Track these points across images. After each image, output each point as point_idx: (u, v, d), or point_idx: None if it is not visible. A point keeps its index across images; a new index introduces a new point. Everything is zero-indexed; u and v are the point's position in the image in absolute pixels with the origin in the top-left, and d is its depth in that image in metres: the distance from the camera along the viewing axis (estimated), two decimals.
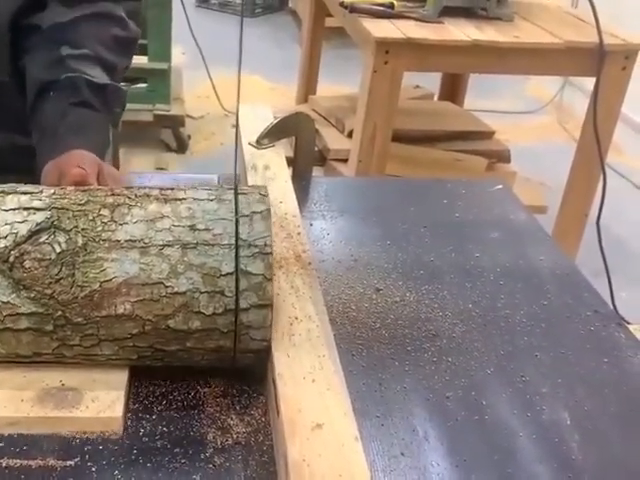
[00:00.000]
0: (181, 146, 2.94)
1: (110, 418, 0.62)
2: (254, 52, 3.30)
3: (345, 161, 2.17)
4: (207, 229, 0.64)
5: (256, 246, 0.64)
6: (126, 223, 0.64)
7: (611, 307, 0.89)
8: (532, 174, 2.53)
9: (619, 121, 1.95)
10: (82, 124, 0.88)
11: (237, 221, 0.64)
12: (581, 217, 2.04)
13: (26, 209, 0.64)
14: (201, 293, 0.62)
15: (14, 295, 0.62)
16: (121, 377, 0.66)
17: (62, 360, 0.65)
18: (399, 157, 2.13)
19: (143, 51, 2.69)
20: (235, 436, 0.63)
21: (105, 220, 0.64)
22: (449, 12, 1.92)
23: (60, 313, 0.62)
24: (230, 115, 3.17)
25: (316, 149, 2.05)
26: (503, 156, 2.37)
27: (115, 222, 0.64)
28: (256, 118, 1.07)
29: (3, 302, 0.62)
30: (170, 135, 2.93)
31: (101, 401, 0.63)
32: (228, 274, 0.63)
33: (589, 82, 1.93)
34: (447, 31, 1.84)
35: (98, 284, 0.62)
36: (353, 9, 1.89)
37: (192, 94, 3.26)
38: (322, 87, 2.96)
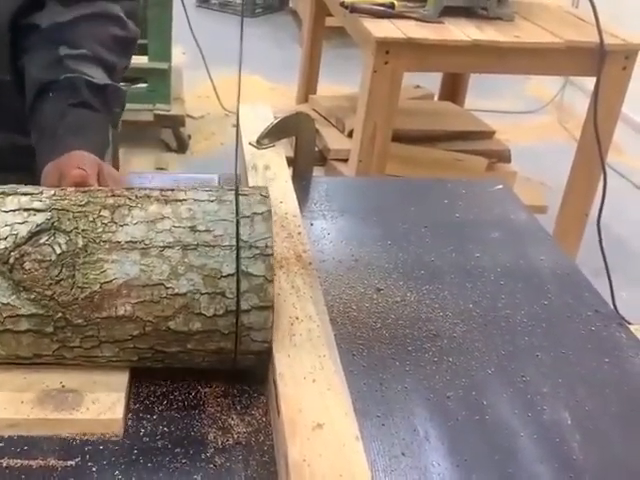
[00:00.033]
0: (181, 146, 2.94)
1: (110, 420, 0.62)
2: (254, 52, 3.30)
3: (345, 161, 2.17)
4: (208, 230, 0.64)
5: (257, 247, 0.63)
6: (126, 224, 0.64)
7: (612, 307, 0.89)
8: (532, 174, 2.53)
9: (619, 121, 1.95)
10: (81, 125, 0.88)
11: (238, 222, 0.64)
12: (581, 217, 2.03)
13: (26, 210, 0.64)
14: (202, 294, 0.62)
15: (14, 296, 0.62)
16: (121, 379, 0.66)
17: (62, 362, 0.65)
18: (399, 157, 2.13)
19: (143, 51, 2.69)
20: (236, 436, 0.63)
21: (105, 221, 0.64)
22: (449, 12, 1.92)
23: (60, 314, 0.62)
24: (230, 115, 3.17)
25: (316, 149, 2.05)
26: (503, 156, 2.37)
27: (115, 223, 0.64)
28: (256, 118, 1.07)
29: (3, 303, 0.62)
30: (170, 135, 2.93)
31: (101, 403, 0.63)
32: (229, 275, 0.62)
33: (589, 82, 1.93)
34: (447, 31, 1.84)
35: (98, 285, 0.62)
36: (353, 9, 1.89)
37: (192, 94, 3.26)
38: (322, 87, 2.96)
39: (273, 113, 1.10)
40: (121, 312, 0.62)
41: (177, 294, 0.62)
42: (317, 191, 1.08)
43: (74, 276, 0.62)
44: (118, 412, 0.63)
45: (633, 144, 3.13)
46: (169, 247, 0.63)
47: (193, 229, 0.64)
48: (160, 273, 0.62)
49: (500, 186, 1.14)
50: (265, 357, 0.65)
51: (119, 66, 0.96)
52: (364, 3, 1.90)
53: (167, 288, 0.62)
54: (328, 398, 0.60)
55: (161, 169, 2.77)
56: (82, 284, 0.62)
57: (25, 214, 0.63)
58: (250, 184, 0.92)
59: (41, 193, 0.66)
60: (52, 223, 0.63)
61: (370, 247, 0.94)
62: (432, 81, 2.82)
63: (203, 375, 0.68)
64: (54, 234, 0.63)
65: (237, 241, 0.63)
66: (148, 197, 0.66)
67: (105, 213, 0.64)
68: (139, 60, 2.70)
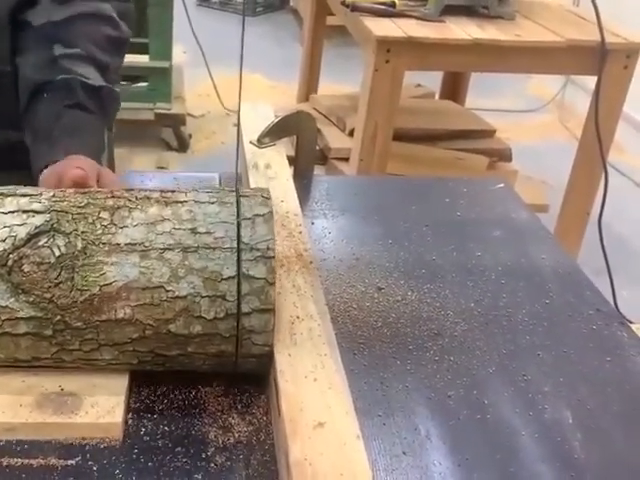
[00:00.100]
0: (182, 145, 2.94)
1: (110, 424, 0.62)
2: (255, 51, 3.29)
3: (346, 160, 2.16)
4: (208, 232, 0.63)
5: (258, 250, 0.63)
6: (126, 226, 0.63)
7: (613, 306, 0.89)
8: (534, 173, 2.52)
9: (621, 120, 1.95)
10: (77, 126, 0.87)
11: (239, 224, 0.64)
12: (583, 216, 2.03)
13: (25, 212, 0.63)
14: (202, 297, 0.62)
15: (13, 299, 0.61)
16: (121, 382, 0.65)
17: (61, 365, 0.65)
18: (400, 156, 2.12)
19: (144, 50, 2.69)
20: (237, 435, 0.63)
21: (105, 223, 0.63)
22: (450, 11, 1.92)
23: (59, 317, 0.61)
24: (231, 114, 3.17)
25: (317, 148, 2.05)
26: (504, 155, 2.36)
27: (115, 225, 0.63)
28: (257, 117, 1.07)
29: (2, 306, 0.61)
30: (171, 134, 2.93)
31: (101, 406, 0.63)
32: (230, 278, 0.62)
33: (591, 81, 1.92)
34: (448, 30, 1.84)
35: (98, 288, 0.61)
36: (354, 8, 1.89)
37: (193, 93, 3.25)
38: (323, 86, 2.96)
39: (274, 112, 1.10)
40: (121, 315, 0.62)
41: (177, 297, 0.62)
42: (318, 190, 1.08)
43: (73, 278, 0.61)
44: (117, 416, 0.62)
45: (634, 143, 3.13)
46: (169, 249, 0.62)
47: (194, 231, 0.63)
48: (160, 276, 0.62)
49: (501, 185, 1.14)
50: (266, 360, 0.65)
51: (112, 66, 0.95)
52: (365, 2, 1.90)
53: (167, 291, 0.62)
54: (329, 397, 0.60)
55: (162, 168, 2.77)
56: (81, 287, 0.61)
57: (24, 216, 0.63)
58: (251, 183, 0.92)
59: (40, 194, 0.65)
60: (51, 225, 0.63)
61: (371, 246, 0.94)
62: (433, 80, 2.81)
63: (204, 374, 0.68)
64: (53, 236, 0.62)
65: (238, 243, 0.63)
66: (148, 199, 0.66)
67: (105, 215, 0.64)
68: (140, 59, 2.70)
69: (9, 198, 0.65)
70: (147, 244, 0.63)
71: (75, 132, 0.86)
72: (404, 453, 0.64)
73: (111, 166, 1.22)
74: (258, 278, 0.62)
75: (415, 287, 0.86)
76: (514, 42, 1.81)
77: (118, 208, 0.64)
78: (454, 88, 2.78)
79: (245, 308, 0.62)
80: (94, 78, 0.91)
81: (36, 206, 0.64)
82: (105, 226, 0.63)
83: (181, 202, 0.66)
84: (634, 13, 2.70)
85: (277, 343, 0.65)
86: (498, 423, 0.68)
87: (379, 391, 0.70)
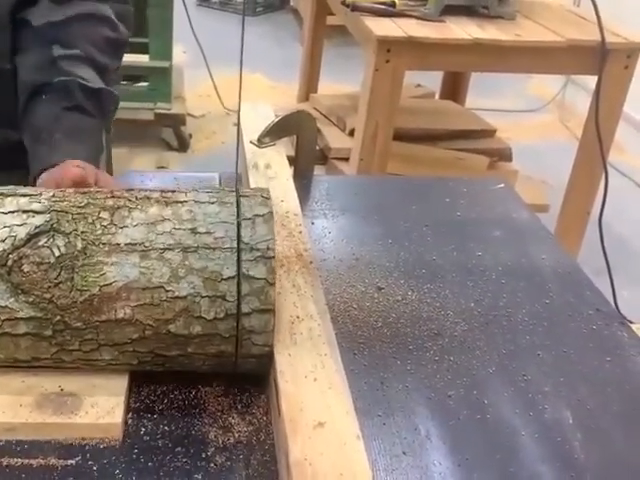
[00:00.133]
0: (182, 145, 2.94)
1: (109, 424, 0.62)
2: (255, 51, 3.29)
3: (346, 160, 2.16)
4: (208, 232, 0.63)
5: (258, 250, 0.63)
6: (126, 226, 0.63)
7: (613, 306, 0.89)
8: (534, 173, 2.52)
9: (621, 120, 1.95)
10: (76, 129, 0.87)
11: (239, 224, 0.64)
12: (583, 216, 2.03)
13: (25, 212, 0.63)
14: (202, 297, 0.62)
15: (12, 299, 0.61)
16: (121, 382, 0.65)
17: (61, 365, 0.65)
18: (401, 156, 2.12)
19: (144, 50, 2.69)
20: (237, 435, 0.63)
21: (105, 223, 0.63)
22: (451, 11, 1.92)
23: (59, 318, 0.61)
24: (231, 114, 3.17)
25: (317, 148, 2.04)
26: (505, 155, 2.36)
27: (115, 225, 0.63)
28: (257, 117, 1.07)
29: (1, 306, 0.61)
30: (171, 134, 2.93)
31: (100, 407, 0.63)
32: (230, 278, 0.62)
33: (591, 80, 1.92)
34: (449, 30, 1.84)
35: (98, 288, 0.61)
36: (355, 7, 1.89)
37: (193, 93, 3.25)
38: (323, 86, 2.96)
39: (274, 112, 1.10)
40: (120, 315, 0.61)
41: (177, 297, 0.62)
42: (318, 190, 1.08)
43: (73, 279, 0.61)
44: (117, 416, 0.62)
45: (635, 143, 3.13)
46: (169, 249, 0.62)
47: (194, 231, 0.63)
48: (160, 276, 0.62)
49: (501, 185, 1.14)
50: (266, 360, 0.65)
51: (110, 67, 0.95)
52: (365, 1, 1.90)
53: (167, 291, 0.61)
54: (329, 397, 0.60)
55: (162, 168, 2.77)
56: (81, 287, 0.61)
57: (24, 216, 0.63)
58: (251, 183, 0.92)
59: (40, 194, 0.65)
60: (51, 225, 0.62)
61: (371, 246, 0.94)
62: (433, 80, 2.82)
63: (204, 374, 0.68)
64: (53, 236, 0.62)
65: (238, 243, 0.63)
66: (148, 199, 0.66)
67: (105, 215, 0.64)
68: (140, 59, 2.70)
69: (9, 198, 0.65)
70: (147, 244, 0.62)
71: (74, 135, 0.86)
72: (404, 453, 0.64)
73: (109, 168, 1.22)
74: (258, 278, 0.62)
75: (415, 287, 0.86)
76: (514, 42, 1.81)
77: (118, 208, 0.64)
78: (454, 88, 2.78)
79: (245, 308, 0.62)
80: (93, 80, 0.91)
81: (36, 206, 0.64)
82: (105, 226, 0.63)
83: (181, 202, 0.65)
84: (634, 13, 2.70)
85: (277, 343, 0.65)
86: (498, 423, 0.68)
87: (379, 391, 0.70)
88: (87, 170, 0.80)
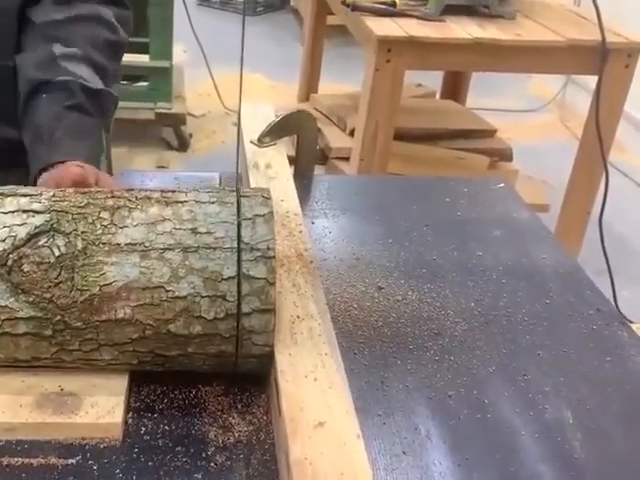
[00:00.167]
0: (182, 144, 2.94)
1: (110, 424, 0.62)
2: (255, 50, 3.29)
3: (347, 160, 2.16)
4: (209, 232, 0.63)
5: (258, 250, 0.63)
6: (126, 226, 0.63)
7: (614, 306, 0.89)
8: (534, 172, 2.52)
9: (621, 119, 1.95)
10: (77, 128, 0.87)
11: (239, 224, 0.64)
12: (583, 215, 2.03)
13: (25, 212, 0.63)
14: (202, 297, 0.62)
15: (12, 299, 0.61)
16: (121, 382, 0.65)
17: (61, 365, 0.65)
18: (401, 155, 2.12)
19: (144, 49, 2.69)
20: (237, 435, 0.63)
21: (105, 223, 0.63)
22: (451, 10, 1.92)
23: (59, 317, 0.61)
24: (231, 113, 3.17)
25: (318, 148, 2.04)
26: (505, 154, 2.36)
27: (115, 225, 0.63)
28: (258, 116, 1.07)
29: (1, 306, 0.61)
30: (171, 133, 2.93)
31: (101, 407, 0.63)
32: (230, 278, 0.62)
33: (591, 80, 1.92)
34: (449, 29, 1.84)
35: (98, 288, 0.61)
36: (355, 7, 1.89)
37: (193, 92, 3.25)
38: (324, 85, 2.96)
39: (274, 111, 1.10)
40: (121, 315, 0.61)
41: (177, 297, 0.61)
42: (318, 189, 1.08)
43: (73, 278, 0.61)
44: (117, 416, 0.62)
45: (635, 142, 3.13)
46: (169, 249, 0.62)
47: (194, 231, 0.63)
48: (160, 276, 0.62)
49: (502, 184, 1.14)
50: (266, 360, 0.65)
51: (109, 69, 0.96)
52: (366, 1, 1.90)
53: (167, 291, 0.61)
54: (329, 396, 0.60)
55: (162, 167, 2.77)
56: (81, 287, 0.61)
57: (24, 215, 0.63)
58: (251, 182, 0.92)
59: (40, 194, 0.65)
60: (51, 225, 0.62)
61: (371, 245, 0.94)
62: (434, 79, 2.82)
63: (204, 374, 0.68)
64: (53, 236, 0.62)
65: (238, 243, 0.63)
66: (148, 198, 0.66)
67: (105, 215, 0.64)
68: (140, 58, 2.70)
69: (9, 198, 0.65)
70: (147, 244, 0.62)
71: (75, 134, 0.86)
72: (404, 453, 0.64)
73: (109, 168, 1.22)
74: (258, 278, 0.62)
75: (415, 287, 0.86)
76: (515, 42, 1.81)
77: (118, 208, 0.64)
78: (455, 88, 2.78)
79: (245, 308, 0.62)
80: (92, 80, 0.91)
81: (36, 206, 0.64)
82: (105, 226, 0.63)
83: (181, 202, 0.65)
84: (635, 13, 2.70)
85: (277, 343, 0.65)
86: (498, 423, 0.68)
87: (379, 391, 0.70)
88: (87, 170, 0.80)
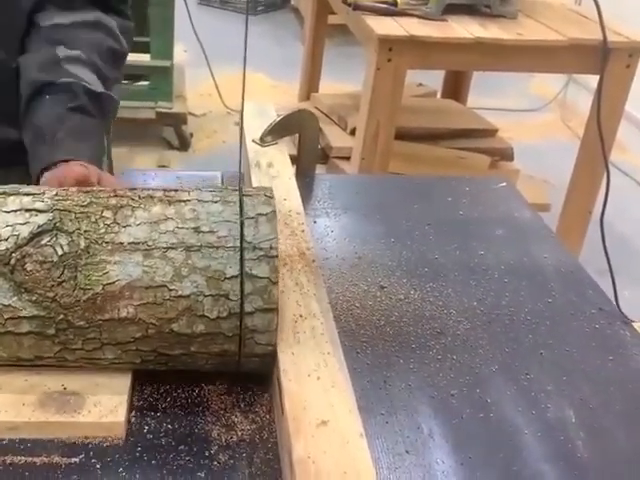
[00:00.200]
0: (183, 144, 2.94)
1: (113, 423, 0.62)
2: (256, 50, 3.28)
3: (348, 159, 2.16)
4: (211, 231, 0.63)
5: (261, 249, 0.63)
6: (129, 225, 0.63)
7: (615, 305, 0.89)
8: (535, 172, 2.52)
9: (623, 119, 1.95)
10: (79, 129, 0.88)
11: (242, 223, 0.64)
12: (585, 215, 2.03)
13: (28, 211, 0.63)
14: (205, 296, 0.62)
15: (15, 298, 0.61)
16: (124, 381, 0.65)
17: (64, 364, 0.65)
18: (402, 155, 2.12)
19: (145, 49, 2.69)
20: (240, 433, 0.63)
21: (108, 222, 0.63)
22: (452, 9, 1.92)
23: (62, 316, 0.61)
24: (232, 113, 3.17)
25: (319, 147, 2.04)
26: (506, 154, 2.36)
27: (118, 224, 0.63)
28: (259, 115, 1.07)
29: (4, 305, 0.61)
30: (172, 133, 2.93)
31: (103, 406, 0.63)
32: (233, 277, 0.62)
33: (593, 80, 1.92)
34: (450, 29, 1.84)
35: (101, 287, 0.61)
36: (356, 6, 1.89)
37: (194, 92, 3.25)
38: (325, 85, 2.96)
39: (276, 111, 1.10)
40: (124, 314, 0.61)
41: (180, 296, 0.61)
42: (320, 189, 1.08)
43: (76, 277, 0.61)
44: (120, 415, 0.62)
45: (636, 142, 3.12)
46: (172, 248, 0.62)
47: (197, 230, 0.63)
48: (163, 275, 0.61)
49: (503, 184, 1.14)
50: (269, 360, 0.65)
51: (110, 76, 0.96)
52: (367, 0, 1.90)
53: (170, 290, 0.61)
54: (332, 395, 0.60)
55: (163, 167, 2.77)
56: (84, 286, 0.61)
57: (27, 214, 0.63)
58: (253, 181, 0.92)
59: (43, 193, 0.65)
60: (54, 224, 0.62)
61: (373, 245, 0.94)
62: (435, 79, 2.81)
63: (207, 373, 0.68)
64: (56, 235, 0.62)
65: (241, 242, 0.63)
66: (151, 198, 0.66)
67: (108, 214, 0.64)
68: (141, 58, 2.70)
69: (12, 197, 0.65)
70: (150, 243, 0.62)
71: (77, 135, 0.87)
72: (407, 452, 0.64)
73: (110, 168, 1.23)
74: (261, 277, 0.62)
75: (418, 286, 0.86)
76: (516, 41, 1.81)
77: (121, 207, 0.64)
78: (456, 87, 2.78)
79: (248, 307, 0.62)
80: (94, 84, 0.92)
81: (39, 205, 0.64)
82: (108, 225, 0.63)
83: (184, 201, 0.65)
84: (636, 12, 2.70)
85: (280, 341, 0.65)
86: (501, 422, 0.68)
87: (382, 389, 0.70)
88: (90, 169, 0.81)
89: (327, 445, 0.55)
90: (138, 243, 0.62)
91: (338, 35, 3.36)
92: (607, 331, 0.82)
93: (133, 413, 0.64)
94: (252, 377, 0.68)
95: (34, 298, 0.61)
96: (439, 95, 2.83)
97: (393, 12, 1.89)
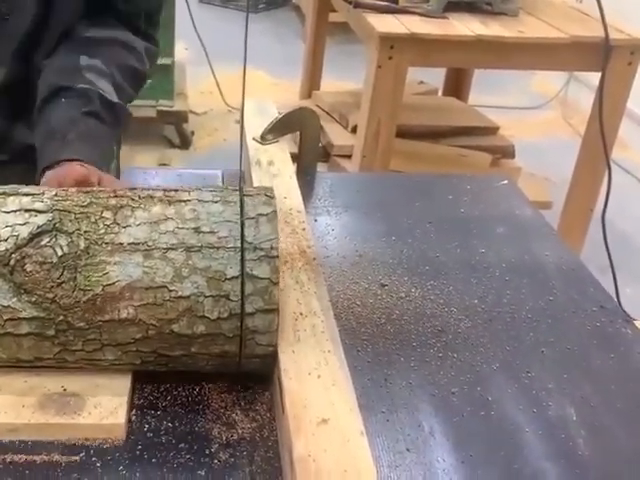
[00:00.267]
0: (184, 142, 2.94)
1: (113, 425, 0.62)
2: (257, 47, 3.27)
3: (349, 157, 2.16)
4: (212, 232, 0.63)
5: (262, 249, 0.63)
6: (129, 225, 0.63)
7: (617, 303, 0.89)
8: (537, 169, 2.52)
9: (624, 116, 1.94)
10: (91, 134, 0.89)
11: (242, 223, 0.63)
12: (586, 212, 2.03)
13: (27, 211, 0.63)
14: (206, 297, 0.61)
15: (15, 299, 0.61)
16: (124, 382, 0.65)
17: (64, 365, 0.65)
18: (403, 153, 2.12)
19: None
20: (240, 432, 0.63)
21: (108, 222, 0.63)
22: (453, 7, 1.91)
23: (62, 317, 0.61)
24: (233, 111, 3.17)
25: (320, 145, 2.04)
26: (508, 152, 2.36)
27: (118, 224, 0.63)
28: (260, 113, 1.07)
29: (4, 306, 0.61)
30: (173, 131, 2.93)
31: (104, 407, 0.63)
32: (233, 278, 0.62)
33: (594, 77, 1.91)
34: (451, 26, 1.84)
35: (101, 288, 0.61)
36: (357, 4, 1.89)
37: (195, 90, 3.25)
38: (326, 83, 2.96)
39: (277, 109, 1.09)
40: (124, 315, 0.61)
41: (181, 297, 0.61)
42: (321, 187, 1.07)
43: (76, 278, 0.61)
44: (120, 417, 0.62)
45: (638, 139, 3.12)
46: (173, 249, 0.62)
47: (197, 230, 0.63)
48: (163, 275, 0.61)
49: (505, 181, 1.14)
50: (270, 360, 0.64)
51: (127, 93, 0.98)
52: None
53: (170, 291, 0.61)
54: (333, 394, 0.60)
55: (164, 165, 2.77)
56: (84, 286, 0.61)
57: (26, 215, 0.63)
58: (254, 179, 0.92)
59: (43, 194, 0.65)
60: (54, 224, 0.62)
61: (374, 243, 0.94)
62: (436, 77, 2.81)
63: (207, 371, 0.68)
64: (55, 235, 0.62)
65: (242, 243, 0.62)
66: (151, 198, 0.65)
67: (107, 214, 0.63)
68: None
69: (11, 197, 0.64)
70: (150, 243, 0.62)
71: (88, 139, 0.87)
72: (408, 450, 0.64)
73: (117, 171, 1.23)
74: (262, 278, 0.62)
75: (419, 284, 0.86)
76: (517, 38, 1.81)
77: (121, 207, 0.64)
78: (457, 85, 2.78)
79: (249, 308, 0.62)
80: (111, 94, 0.93)
81: (38, 205, 0.63)
82: (108, 225, 0.63)
83: (184, 201, 0.65)
84: (638, 9, 2.69)
85: (281, 340, 0.65)
86: (502, 420, 0.68)
87: (383, 388, 0.70)
88: (90, 170, 0.81)
89: (328, 443, 0.55)
90: (138, 243, 0.62)
91: (339, 33, 3.35)
92: (608, 329, 0.82)
93: (133, 412, 0.64)
94: (252, 376, 0.68)
95: (34, 299, 0.61)
96: (440, 93, 2.83)
97: (394, 10, 1.88)
